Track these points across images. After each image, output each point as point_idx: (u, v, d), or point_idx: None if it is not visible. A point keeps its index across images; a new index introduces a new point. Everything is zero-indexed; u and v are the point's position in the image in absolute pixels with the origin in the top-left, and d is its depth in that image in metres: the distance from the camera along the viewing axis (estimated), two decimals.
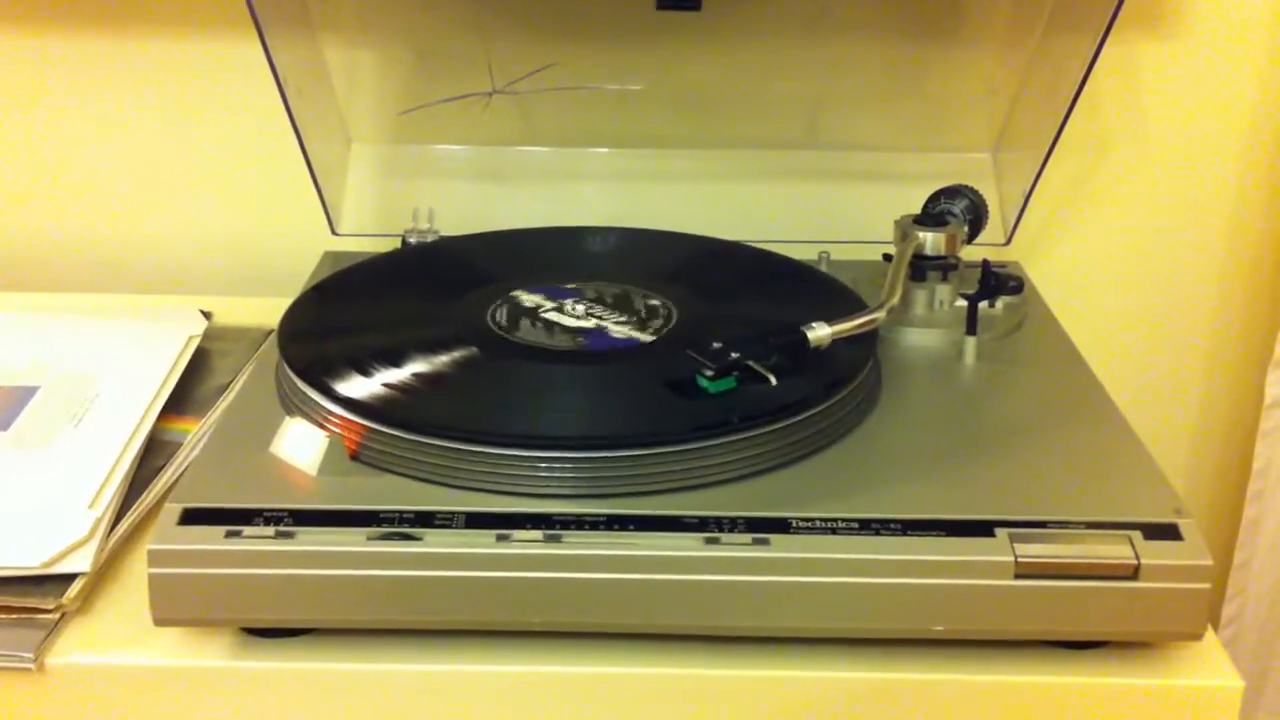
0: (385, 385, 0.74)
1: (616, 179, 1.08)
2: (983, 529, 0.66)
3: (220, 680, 0.67)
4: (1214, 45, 1.06)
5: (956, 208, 0.92)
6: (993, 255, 0.94)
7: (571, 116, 1.06)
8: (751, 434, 0.70)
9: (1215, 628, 0.69)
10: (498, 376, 0.77)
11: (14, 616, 0.68)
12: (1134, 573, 0.65)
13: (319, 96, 1.03)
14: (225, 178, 1.11)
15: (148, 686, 0.67)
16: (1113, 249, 1.13)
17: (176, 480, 0.78)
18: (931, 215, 0.91)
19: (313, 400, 0.74)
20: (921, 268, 0.89)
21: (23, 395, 0.85)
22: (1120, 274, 1.14)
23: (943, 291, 0.90)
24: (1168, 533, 0.66)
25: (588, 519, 0.66)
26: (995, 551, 0.65)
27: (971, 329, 0.85)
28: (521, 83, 1.03)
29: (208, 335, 0.95)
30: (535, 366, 0.78)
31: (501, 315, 0.83)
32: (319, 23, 1.02)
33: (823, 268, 0.98)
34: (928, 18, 1.03)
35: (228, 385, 0.90)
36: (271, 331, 0.84)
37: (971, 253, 0.93)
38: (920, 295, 0.90)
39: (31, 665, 0.66)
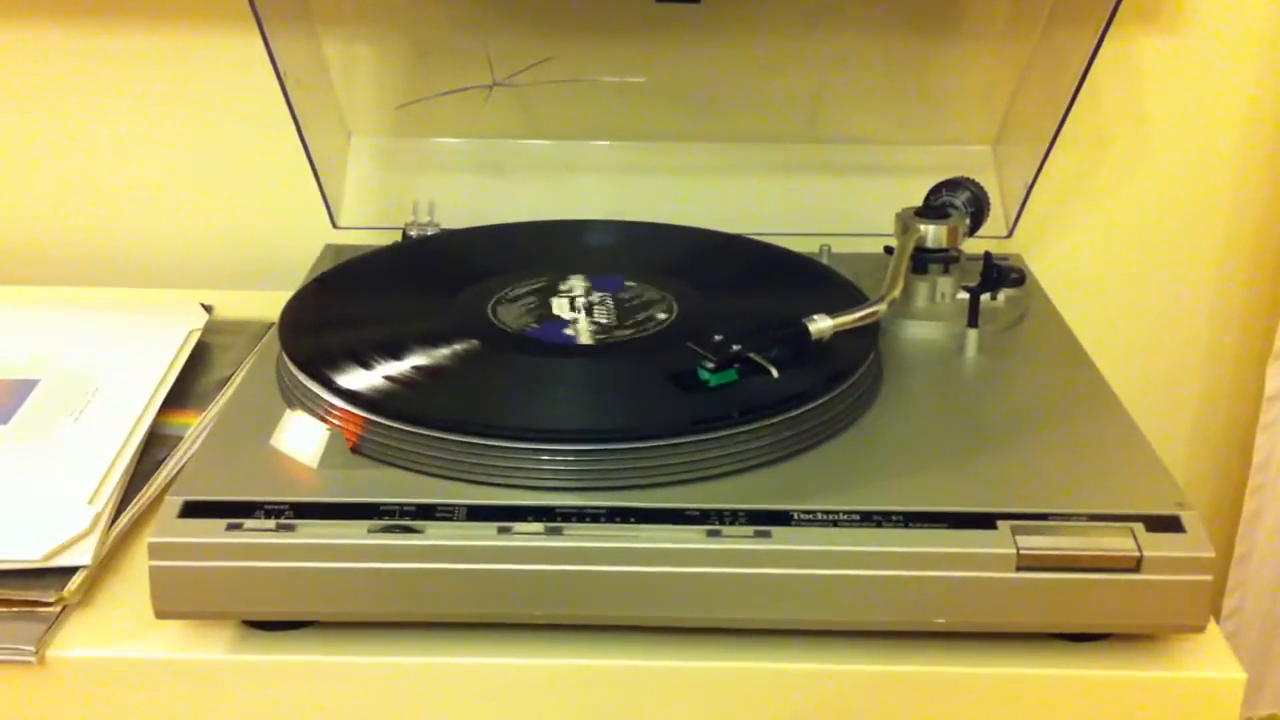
0: (386, 378, 0.74)
1: (617, 172, 1.07)
2: (984, 521, 0.66)
3: (221, 673, 0.67)
4: (1214, 39, 1.06)
5: (958, 200, 0.92)
6: (994, 248, 0.93)
7: (572, 109, 1.06)
8: (753, 426, 0.70)
9: (1216, 620, 0.68)
10: (499, 369, 0.77)
11: (15, 610, 0.68)
12: (1136, 565, 0.65)
13: (319, 90, 1.03)
14: (226, 171, 1.11)
15: (149, 680, 0.67)
16: (1114, 241, 1.13)
17: (177, 473, 0.78)
18: (933, 208, 0.91)
19: (313, 393, 0.74)
20: (923, 260, 0.89)
21: (23, 389, 0.85)
22: (1121, 266, 1.14)
23: (944, 284, 0.90)
24: (1170, 525, 0.66)
25: (589, 511, 0.66)
26: (997, 544, 0.65)
27: (973, 321, 0.85)
28: (521, 76, 1.02)
29: (208, 328, 0.95)
30: (536, 359, 0.77)
31: (502, 308, 0.83)
32: (319, 16, 1.02)
33: (824, 260, 0.98)
34: (929, 11, 1.03)
35: (228, 378, 0.90)
36: (272, 325, 0.84)
37: (973, 245, 0.93)
38: (922, 288, 0.90)
39: (32, 659, 0.66)
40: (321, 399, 0.73)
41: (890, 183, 1.04)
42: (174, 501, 0.67)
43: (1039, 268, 1.03)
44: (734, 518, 0.66)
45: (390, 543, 0.65)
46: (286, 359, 0.77)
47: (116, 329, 0.93)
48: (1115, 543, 0.65)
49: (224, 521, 0.65)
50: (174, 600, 0.65)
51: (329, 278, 0.91)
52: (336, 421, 0.72)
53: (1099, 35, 0.91)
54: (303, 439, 0.71)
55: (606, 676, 0.68)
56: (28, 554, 0.69)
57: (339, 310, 0.85)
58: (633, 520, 0.66)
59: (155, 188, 1.11)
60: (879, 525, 0.66)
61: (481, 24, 1.02)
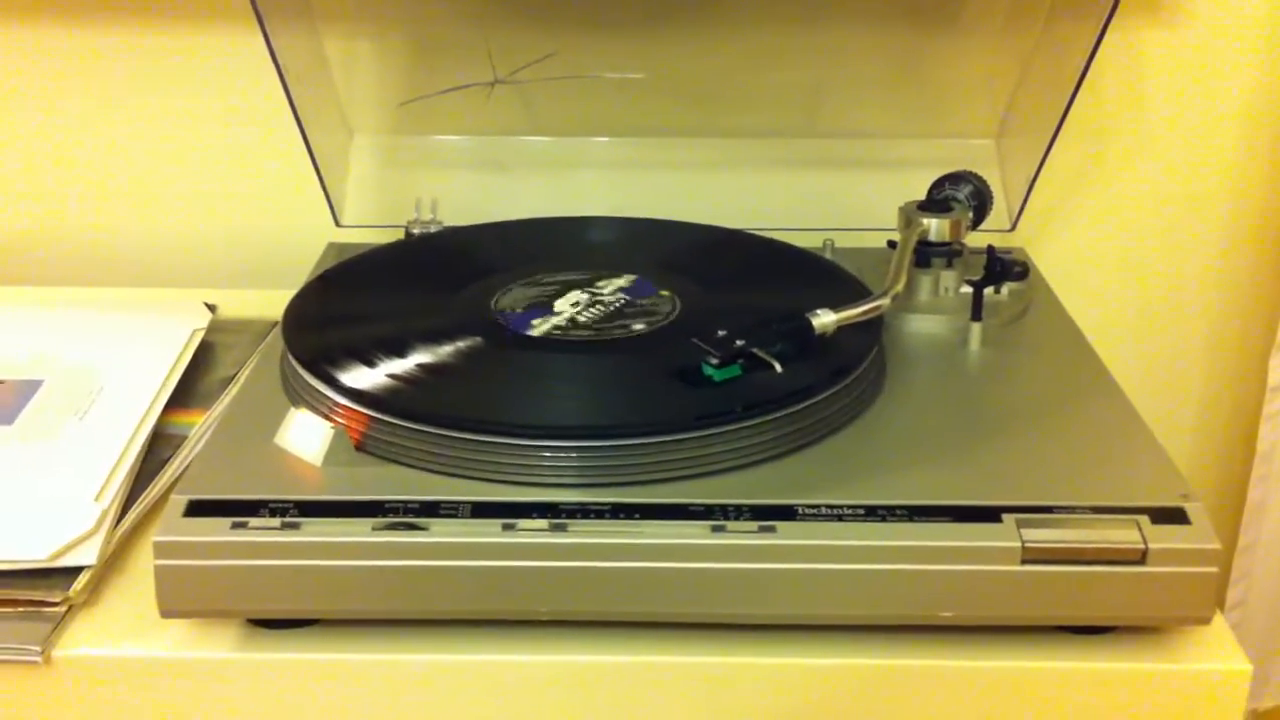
0: (390, 376, 0.74)
1: (619, 168, 1.07)
2: (989, 515, 0.66)
3: (227, 672, 0.67)
4: (1215, 31, 1.06)
5: (961, 194, 0.92)
6: (997, 241, 0.94)
7: (574, 106, 1.05)
8: (757, 421, 0.70)
9: (1221, 611, 0.68)
10: (502, 366, 0.77)
11: (20, 610, 0.68)
12: (1141, 557, 0.65)
13: (321, 88, 1.03)
14: (228, 170, 1.11)
15: (154, 679, 0.67)
16: (1117, 234, 1.13)
17: (182, 472, 0.78)
18: (936, 201, 0.91)
19: (317, 391, 0.74)
20: (926, 254, 0.89)
21: (27, 389, 0.85)
22: (1125, 259, 1.13)
23: (947, 278, 0.90)
24: (1175, 517, 0.66)
25: (593, 508, 0.66)
26: (1002, 537, 0.65)
27: (976, 315, 0.85)
28: (523, 72, 1.02)
29: (212, 328, 0.95)
30: (540, 356, 0.77)
31: (506, 305, 0.83)
32: (320, 14, 1.02)
33: (827, 255, 0.98)
34: (930, 4, 1.02)
35: (233, 377, 0.90)
36: (276, 323, 0.84)
37: (976, 239, 0.93)
38: (925, 281, 0.90)
39: (38, 658, 0.66)
40: (325, 397, 0.73)
41: (893, 177, 1.04)
42: (179, 500, 0.67)
43: (1042, 261, 1.03)
44: (738, 513, 0.66)
45: (395, 540, 0.65)
46: (290, 357, 0.77)
47: (120, 328, 0.93)
48: (1120, 535, 0.65)
49: (229, 520, 0.65)
50: (179, 599, 0.66)
51: (332, 276, 0.91)
52: (341, 419, 0.72)
53: (1101, 28, 0.91)
54: (307, 437, 0.71)
55: (612, 673, 0.68)
56: (33, 554, 0.69)
57: (342, 308, 0.85)
58: (637, 516, 0.66)
59: (158, 187, 1.11)
60: (883, 519, 0.66)
61: (483, 20, 1.02)
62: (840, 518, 0.66)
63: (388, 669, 0.67)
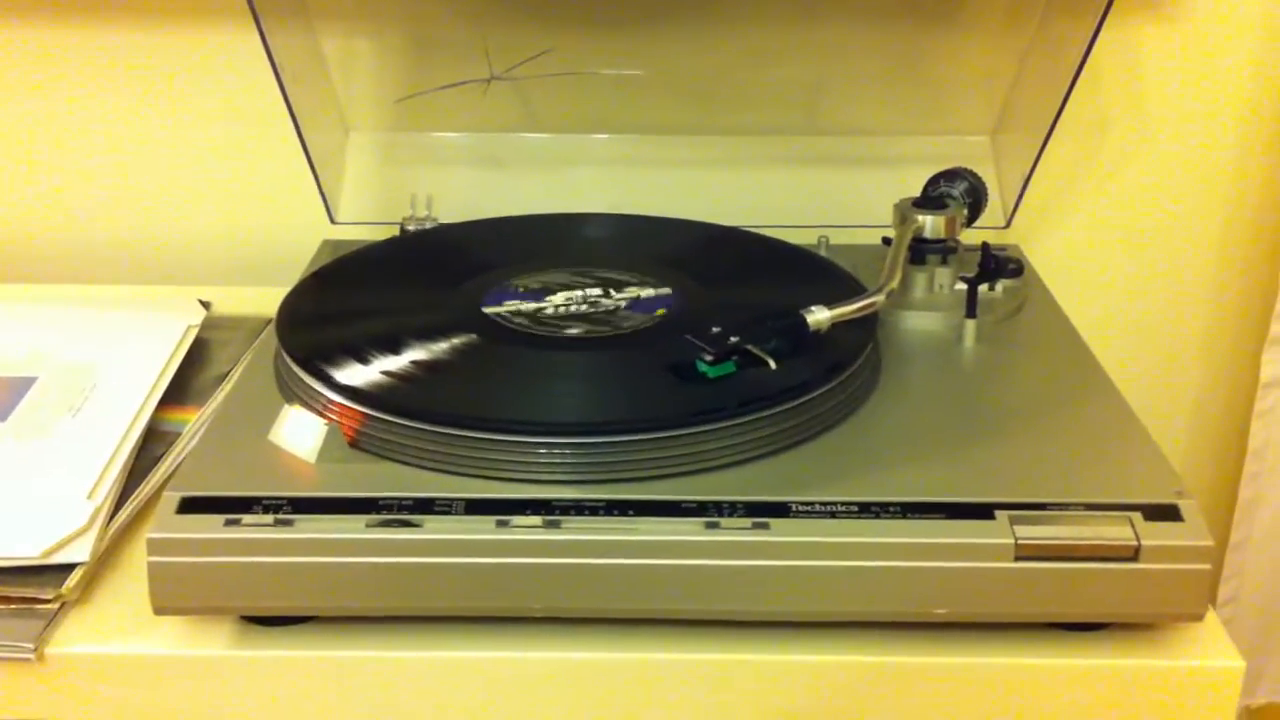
0: (384, 373, 0.74)
1: (616, 165, 1.07)
2: (982, 511, 0.66)
3: (220, 669, 0.67)
4: (1212, 27, 1.06)
5: (956, 191, 0.92)
6: (992, 238, 0.94)
7: (570, 102, 1.05)
8: (751, 418, 0.70)
9: (1213, 606, 0.68)
10: (497, 363, 0.77)
11: (13, 607, 0.68)
12: (1134, 554, 0.65)
13: (316, 85, 1.03)
14: (223, 167, 1.11)
15: (148, 676, 0.67)
16: (1112, 231, 1.13)
17: (175, 469, 0.78)
18: (931, 198, 0.91)
19: (311, 388, 0.74)
20: (921, 251, 0.89)
21: (21, 386, 0.85)
22: (1119, 256, 1.13)
23: (942, 275, 0.90)
24: (1168, 514, 0.66)
25: (587, 504, 0.66)
26: (995, 534, 0.65)
27: (971, 312, 0.85)
28: (520, 69, 1.02)
29: (206, 325, 0.95)
30: (534, 353, 0.77)
31: (500, 301, 0.83)
32: (316, 11, 1.02)
33: (822, 252, 0.98)
34: (928, 1, 1.02)
35: (226, 374, 0.90)
36: (270, 320, 0.84)
37: (971, 236, 0.93)
38: (920, 278, 0.90)
39: (31, 655, 0.66)
40: (319, 394, 0.73)
41: (888, 174, 1.04)
42: (172, 497, 0.67)
43: (1037, 258, 1.03)
44: (732, 509, 0.66)
45: (388, 537, 0.65)
46: (284, 354, 0.77)
47: (114, 325, 0.93)
48: (1113, 532, 0.65)
49: (222, 517, 0.65)
50: (172, 596, 0.65)
51: (326, 273, 0.91)
52: (334, 416, 0.72)
53: (1097, 24, 0.91)
54: (301, 434, 0.71)
55: (605, 669, 0.68)
56: (26, 551, 0.69)
57: (337, 305, 0.85)
58: (631, 513, 0.66)
59: (153, 184, 1.11)
60: (877, 516, 0.66)
61: (479, 17, 1.02)
62: (834, 515, 0.66)
63: (381, 666, 0.67)
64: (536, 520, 0.65)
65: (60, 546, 0.70)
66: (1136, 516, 0.66)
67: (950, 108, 1.06)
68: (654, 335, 0.79)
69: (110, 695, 0.68)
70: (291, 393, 0.76)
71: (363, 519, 0.65)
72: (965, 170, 0.93)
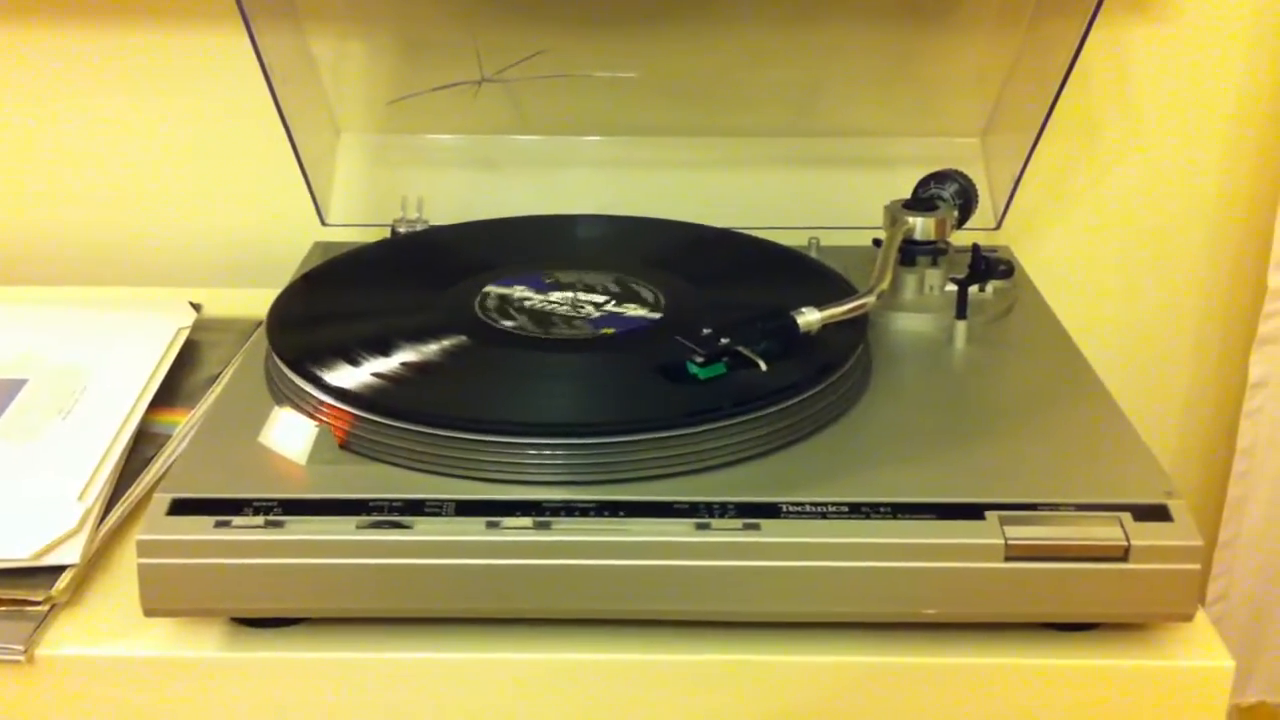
0: (374, 374, 0.74)
1: (607, 167, 1.07)
2: (973, 512, 0.66)
3: (211, 671, 0.67)
4: (1203, 28, 1.06)
5: (946, 192, 0.92)
6: (983, 240, 0.94)
7: (562, 104, 1.05)
8: (742, 419, 0.70)
9: (1202, 605, 0.69)
10: (487, 364, 0.76)
11: (3, 609, 0.68)
12: (1124, 554, 0.65)
13: (307, 86, 1.03)
14: (214, 169, 1.11)
15: (138, 678, 0.67)
16: (1102, 232, 1.13)
17: (166, 471, 0.78)
18: (921, 200, 0.91)
19: (302, 390, 0.74)
20: (911, 252, 0.89)
21: (11, 388, 0.85)
22: (1110, 257, 1.14)
23: (933, 276, 0.90)
24: (1158, 514, 0.66)
25: (578, 505, 0.66)
26: (985, 534, 0.65)
27: (962, 313, 0.85)
28: (511, 70, 1.02)
29: (197, 326, 0.95)
30: (524, 354, 0.77)
31: (491, 303, 0.83)
32: (306, 13, 1.02)
33: (813, 253, 0.98)
34: (917, 3, 1.03)
35: (217, 376, 0.90)
36: (260, 322, 0.84)
37: (961, 237, 0.93)
38: (910, 280, 0.90)
39: (21, 657, 0.66)
40: (310, 396, 0.73)
41: (879, 175, 1.04)
42: (162, 499, 0.66)
43: (1027, 259, 1.03)
44: (723, 510, 0.66)
45: (379, 539, 0.65)
46: (275, 356, 0.77)
47: (105, 327, 0.93)
48: (1103, 532, 0.65)
49: (212, 519, 0.65)
50: (163, 598, 0.65)
51: (316, 275, 0.91)
52: (325, 418, 0.72)
53: (1086, 24, 0.91)
54: (291, 436, 0.71)
55: (596, 671, 0.68)
56: (16, 553, 0.69)
57: (327, 307, 0.85)
58: (621, 514, 0.66)
59: (143, 186, 1.11)
60: (867, 517, 0.66)
61: (471, 18, 1.02)
62: (824, 515, 0.66)
63: (372, 668, 0.67)
64: (527, 521, 0.65)
65: (50, 548, 0.70)
66: (1126, 517, 0.66)
67: (941, 109, 1.06)
68: (645, 336, 0.79)
69: (101, 697, 0.67)
70: (282, 394, 0.75)
71: (353, 520, 0.65)
72: (955, 172, 0.94)
